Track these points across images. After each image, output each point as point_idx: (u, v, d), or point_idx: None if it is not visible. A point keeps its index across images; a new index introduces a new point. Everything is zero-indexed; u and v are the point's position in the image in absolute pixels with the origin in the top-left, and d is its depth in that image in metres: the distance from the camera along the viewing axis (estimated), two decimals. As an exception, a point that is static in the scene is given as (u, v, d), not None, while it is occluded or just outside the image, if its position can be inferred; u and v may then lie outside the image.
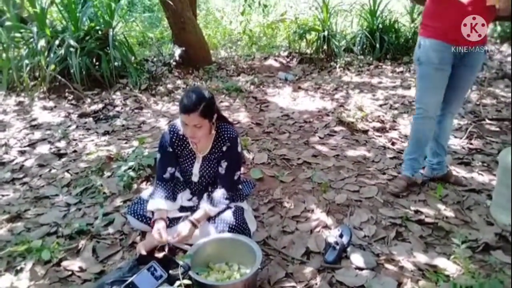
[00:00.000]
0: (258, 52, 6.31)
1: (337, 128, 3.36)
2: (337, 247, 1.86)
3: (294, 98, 4.26)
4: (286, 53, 6.12)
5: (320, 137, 3.18)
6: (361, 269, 1.76)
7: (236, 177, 1.96)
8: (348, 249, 1.88)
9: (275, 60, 5.84)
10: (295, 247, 1.91)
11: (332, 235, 1.94)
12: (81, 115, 3.73)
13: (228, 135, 1.90)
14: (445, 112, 2.29)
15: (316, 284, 1.70)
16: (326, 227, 2.07)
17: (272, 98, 4.27)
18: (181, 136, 1.91)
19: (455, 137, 3.14)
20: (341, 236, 1.91)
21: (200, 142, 1.87)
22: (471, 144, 3.03)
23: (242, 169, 2.11)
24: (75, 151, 3.01)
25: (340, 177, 2.55)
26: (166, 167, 1.94)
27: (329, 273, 1.75)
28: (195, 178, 1.99)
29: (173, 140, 1.91)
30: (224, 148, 1.90)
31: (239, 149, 1.94)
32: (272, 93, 4.48)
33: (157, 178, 1.97)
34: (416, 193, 2.36)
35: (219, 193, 1.91)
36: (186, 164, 1.96)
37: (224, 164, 1.91)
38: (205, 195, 1.94)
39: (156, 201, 1.88)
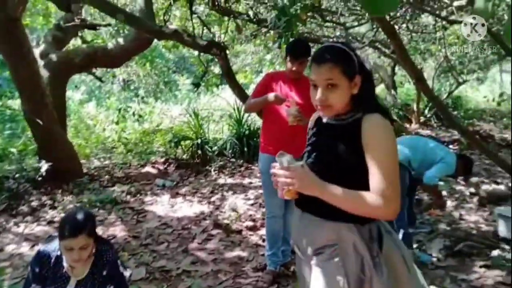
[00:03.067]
0: (134, 159, 6.38)
1: (214, 231, 3.55)
2: None
3: (172, 205, 4.37)
4: (163, 160, 6.33)
5: (198, 243, 3.31)
6: None
7: None
8: None
9: (153, 167, 5.97)
10: None
11: None
12: None
13: (107, 258, 1.89)
14: (286, 210, 2.72)
15: None
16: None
17: (150, 207, 4.30)
18: (52, 259, 1.83)
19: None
20: None
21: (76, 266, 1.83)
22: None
23: None
24: None
25: (218, 281, 2.67)
26: (30, 285, 1.83)
27: None
28: None
29: (43, 260, 1.83)
30: (104, 273, 1.87)
31: (122, 270, 1.94)
32: (150, 201, 4.52)
33: None
34: (284, 285, 2.62)
35: None
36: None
37: None
38: None
39: None
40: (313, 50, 2.74)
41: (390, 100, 9.33)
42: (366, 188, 1.21)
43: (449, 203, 4.15)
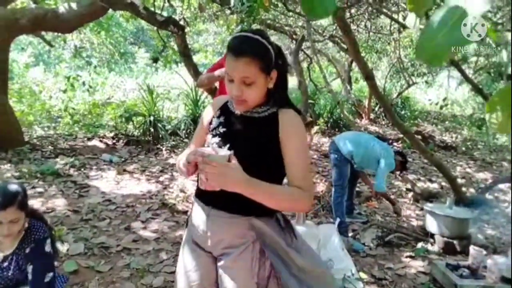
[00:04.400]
0: (81, 131, 6.12)
1: (160, 211, 3.54)
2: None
3: (118, 182, 4.28)
4: (112, 134, 6.13)
5: (142, 221, 3.29)
6: None
7: (47, 279, 1.87)
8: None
9: (100, 141, 5.77)
10: None
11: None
12: None
13: (37, 236, 1.82)
14: None
15: None
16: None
17: (94, 182, 4.18)
18: None
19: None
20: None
21: (3, 241, 1.75)
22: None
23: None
24: None
25: (159, 260, 2.68)
26: None
27: None
28: None
29: None
30: (27, 250, 1.79)
31: (47, 249, 1.84)
32: (94, 176, 4.39)
33: None
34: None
35: None
36: None
37: (29, 267, 1.80)
38: None
39: None
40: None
41: (345, 95, 9.65)
42: (279, 181, 1.26)
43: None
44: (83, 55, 10.16)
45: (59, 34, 7.47)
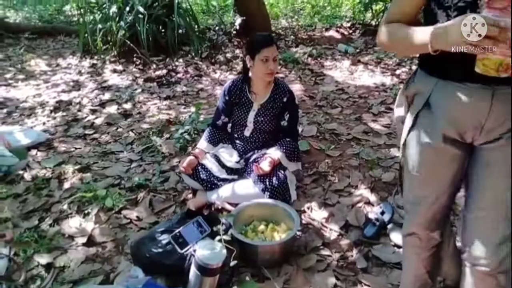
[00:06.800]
0: (320, 22, 6.15)
1: (393, 105, 3.24)
2: (377, 223, 1.88)
3: (351, 72, 4.15)
4: (349, 24, 5.89)
5: (374, 114, 3.11)
6: (399, 247, 1.76)
7: (297, 127, 2.23)
8: (389, 226, 1.89)
9: (337, 31, 5.66)
10: (334, 219, 1.96)
11: (373, 212, 1.97)
12: (146, 80, 3.99)
13: (287, 88, 2.13)
14: None
15: (352, 256, 1.75)
16: (368, 203, 2.08)
17: (329, 71, 4.20)
18: (239, 85, 2.14)
19: None
20: (382, 213, 1.93)
21: (259, 92, 2.10)
22: None
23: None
24: (139, 112, 3.26)
25: (390, 155, 2.50)
26: (220, 115, 2.19)
27: (366, 247, 1.79)
28: (247, 131, 2.14)
29: (231, 88, 2.14)
30: (285, 99, 2.09)
31: (296, 101, 2.18)
32: (329, 66, 4.40)
33: (211, 124, 2.25)
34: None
35: (286, 140, 2.08)
36: (242, 112, 2.13)
37: (286, 116, 2.11)
38: (273, 147, 2.08)
39: (200, 142, 2.20)
40: None
41: None
42: None
43: None
44: None
45: None
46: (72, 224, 1.94)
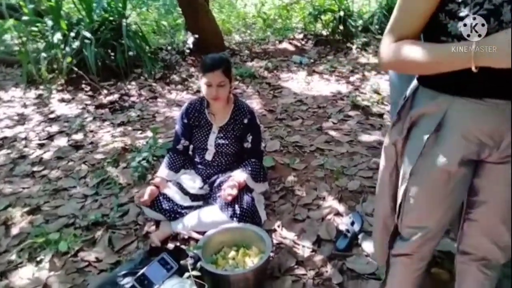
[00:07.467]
0: (272, 35, 6.21)
1: (352, 113, 3.29)
2: (349, 235, 1.85)
3: (308, 83, 4.19)
4: (301, 36, 6.00)
5: (333, 122, 3.13)
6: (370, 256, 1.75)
7: (262, 148, 2.15)
8: (360, 236, 1.87)
9: (290, 43, 5.74)
10: (306, 235, 1.92)
11: (343, 223, 1.94)
12: (97, 106, 3.80)
13: (248, 108, 2.06)
14: None
15: (327, 271, 1.70)
16: (338, 214, 2.05)
17: (286, 83, 4.22)
18: (197, 107, 2.06)
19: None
20: (352, 223, 1.91)
21: (218, 113, 2.02)
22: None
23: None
24: (91, 142, 3.07)
25: (354, 163, 2.51)
26: (180, 139, 2.10)
27: (340, 261, 1.75)
28: (208, 155, 2.05)
29: (189, 110, 2.06)
30: (246, 121, 2.03)
31: (258, 121, 2.11)
32: (286, 78, 4.42)
33: (171, 149, 2.16)
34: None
35: (251, 161, 2.03)
36: (202, 134, 2.06)
37: (249, 138, 2.05)
38: (238, 170, 2.02)
39: (160, 170, 2.09)
40: None
41: None
42: None
43: None
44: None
45: None
46: (24, 274, 1.75)
